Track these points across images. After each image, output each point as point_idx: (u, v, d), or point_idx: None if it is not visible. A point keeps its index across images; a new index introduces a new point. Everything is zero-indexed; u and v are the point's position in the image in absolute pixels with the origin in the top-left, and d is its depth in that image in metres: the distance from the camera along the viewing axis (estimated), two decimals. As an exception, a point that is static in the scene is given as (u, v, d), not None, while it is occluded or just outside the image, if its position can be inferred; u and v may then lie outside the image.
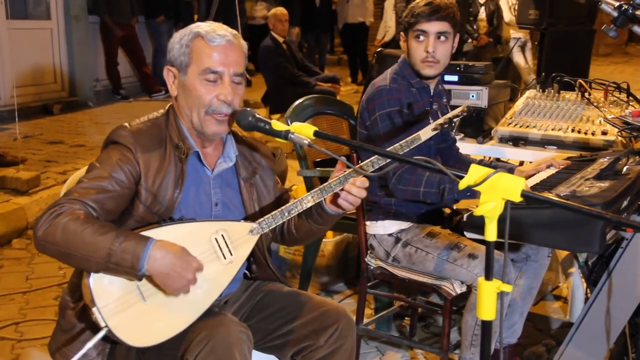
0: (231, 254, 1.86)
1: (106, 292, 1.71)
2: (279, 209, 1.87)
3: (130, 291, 1.74)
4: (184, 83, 1.90)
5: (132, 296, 1.74)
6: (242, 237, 1.87)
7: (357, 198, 1.88)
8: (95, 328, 1.74)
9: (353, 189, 1.86)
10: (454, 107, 2.32)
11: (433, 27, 2.57)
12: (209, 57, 1.87)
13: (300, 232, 2.08)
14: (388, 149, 1.95)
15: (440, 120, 2.09)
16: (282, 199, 2.13)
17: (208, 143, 1.98)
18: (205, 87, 1.88)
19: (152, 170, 1.85)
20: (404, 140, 1.99)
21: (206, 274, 1.79)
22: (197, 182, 1.95)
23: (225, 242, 1.85)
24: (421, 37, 2.59)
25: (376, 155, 1.89)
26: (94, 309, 1.69)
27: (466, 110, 2.19)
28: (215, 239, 1.84)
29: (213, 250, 1.83)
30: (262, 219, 1.88)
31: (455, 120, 2.14)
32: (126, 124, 1.90)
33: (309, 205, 1.88)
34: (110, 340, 1.81)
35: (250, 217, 2.02)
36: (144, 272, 1.70)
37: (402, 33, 2.68)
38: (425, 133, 2.04)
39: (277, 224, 1.89)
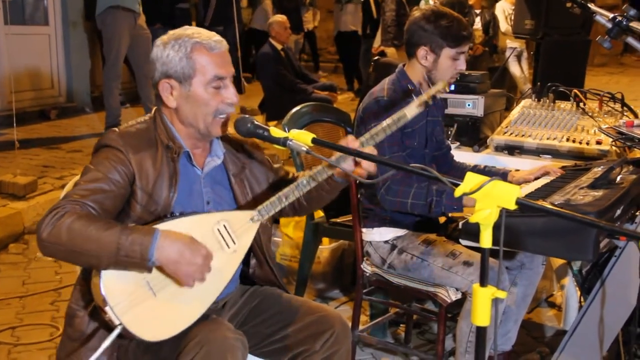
0: (234, 243, 1.89)
1: (117, 290, 1.74)
2: (276, 195, 1.91)
3: (140, 287, 1.77)
4: (188, 94, 1.91)
5: (142, 292, 1.77)
6: (244, 225, 1.91)
7: (371, 164, 1.93)
8: (107, 331, 1.77)
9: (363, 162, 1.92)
10: (448, 120, 2.35)
11: (466, 49, 2.66)
12: (215, 66, 1.90)
13: (311, 203, 2.14)
14: (374, 127, 1.99)
15: (424, 97, 2.12)
16: (277, 178, 2.16)
17: (200, 143, 2.01)
18: (212, 95, 1.91)
19: (145, 171, 1.88)
20: (390, 119, 2.01)
21: (213, 265, 1.82)
22: (189, 182, 1.98)
23: (228, 232, 1.88)
24: (457, 57, 2.63)
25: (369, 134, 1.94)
26: (107, 308, 1.72)
27: (447, 85, 2.24)
28: (218, 230, 1.87)
29: (217, 241, 1.86)
30: (260, 206, 1.91)
31: (438, 96, 2.18)
32: (115, 129, 1.94)
33: (306, 189, 1.93)
34: (117, 346, 1.82)
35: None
36: (154, 262, 1.72)
37: (426, 47, 2.63)
38: (411, 110, 2.07)
39: (276, 210, 1.92)
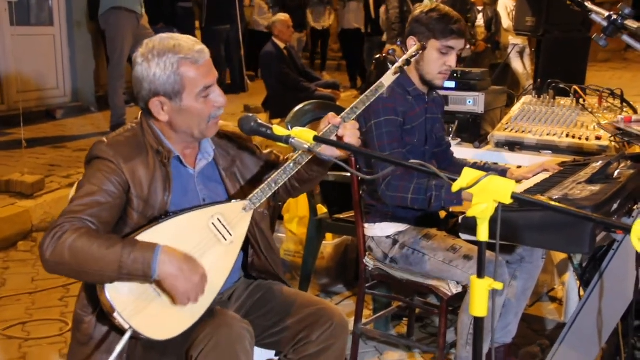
0: (230, 234, 1.94)
1: (123, 297, 1.79)
2: (266, 182, 1.96)
3: (145, 290, 1.81)
4: (181, 108, 1.92)
5: (147, 294, 1.81)
6: (238, 216, 1.96)
7: (354, 137, 1.97)
8: (117, 333, 1.83)
9: (347, 132, 1.96)
10: (449, 117, 2.38)
11: (459, 44, 2.67)
12: (202, 77, 1.91)
13: (303, 184, 2.17)
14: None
15: (400, 63, 2.16)
16: (269, 164, 2.19)
17: (191, 145, 2.04)
18: (203, 103, 1.93)
19: (139, 178, 1.91)
20: (369, 90, 2.08)
21: (213, 258, 1.88)
22: (183, 183, 2.02)
23: (223, 225, 1.93)
24: (445, 52, 2.66)
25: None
26: (115, 314, 1.77)
27: (421, 47, 2.30)
28: (213, 224, 1.92)
29: (213, 235, 1.92)
30: (251, 194, 1.96)
31: (411, 59, 2.23)
32: (103, 139, 1.96)
33: (294, 171, 1.97)
34: (126, 346, 1.87)
35: None
36: (156, 278, 1.77)
37: (415, 38, 2.69)
38: (387, 78, 2.10)
39: (267, 196, 1.97)
